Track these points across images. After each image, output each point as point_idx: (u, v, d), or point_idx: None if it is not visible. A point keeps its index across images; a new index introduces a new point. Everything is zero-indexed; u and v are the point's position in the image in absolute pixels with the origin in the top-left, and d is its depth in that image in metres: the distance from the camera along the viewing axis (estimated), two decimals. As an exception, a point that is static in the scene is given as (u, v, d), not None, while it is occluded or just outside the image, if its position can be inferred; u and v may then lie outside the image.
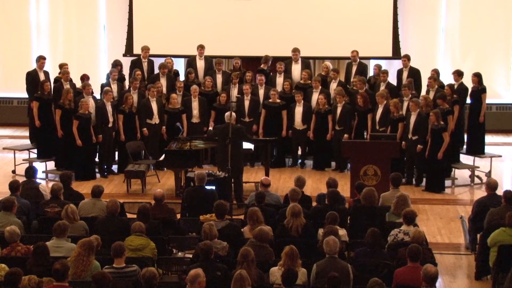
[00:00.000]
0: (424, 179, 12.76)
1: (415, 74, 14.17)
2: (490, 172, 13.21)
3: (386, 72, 14.08)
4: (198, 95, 13.91)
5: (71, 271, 7.01)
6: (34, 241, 7.87)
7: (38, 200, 9.65)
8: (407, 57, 14.32)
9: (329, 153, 13.90)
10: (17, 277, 6.65)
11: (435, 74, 13.84)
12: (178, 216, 9.64)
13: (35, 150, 13.87)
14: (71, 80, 14.01)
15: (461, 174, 13.30)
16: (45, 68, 14.33)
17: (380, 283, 6.66)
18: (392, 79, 14.44)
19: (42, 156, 13.64)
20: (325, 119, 13.70)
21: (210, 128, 13.15)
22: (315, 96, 13.88)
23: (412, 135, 12.61)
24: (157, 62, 15.03)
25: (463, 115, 14.00)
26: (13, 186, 9.49)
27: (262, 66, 14.78)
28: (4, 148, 14.79)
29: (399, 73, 14.45)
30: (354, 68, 14.57)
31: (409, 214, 8.38)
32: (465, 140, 13.96)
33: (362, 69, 14.57)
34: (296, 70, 14.68)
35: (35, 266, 7.25)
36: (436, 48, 16.97)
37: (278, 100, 13.96)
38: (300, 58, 14.67)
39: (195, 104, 13.92)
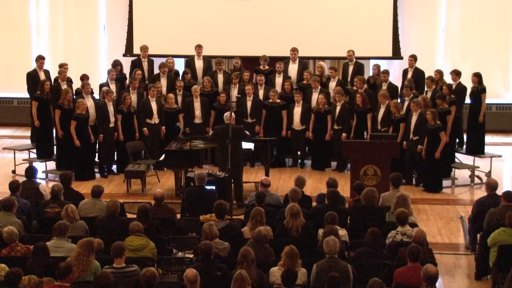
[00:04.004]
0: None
1: (419, 75, 14.17)
2: (490, 172, 13.21)
3: (387, 72, 14.08)
4: (199, 95, 13.91)
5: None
6: (34, 241, 7.88)
7: (38, 200, 9.65)
8: (414, 57, 14.32)
9: (328, 153, 13.91)
10: (17, 277, 6.65)
11: (438, 74, 13.84)
12: (178, 216, 9.64)
13: (35, 150, 13.87)
14: (70, 80, 14.02)
15: (461, 174, 13.30)
16: (45, 68, 14.34)
17: (380, 283, 6.66)
18: (393, 79, 14.42)
19: (42, 156, 13.64)
20: (325, 119, 13.71)
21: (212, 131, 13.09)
22: (315, 96, 13.88)
23: (413, 135, 12.61)
24: (157, 62, 15.04)
25: (462, 115, 14.00)
26: (13, 186, 9.49)
27: (261, 66, 14.80)
28: (4, 148, 14.80)
29: (404, 73, 14.46)
30: (350, 68, 14.58)
31: (401, 214, 8.38)
32: (465, 140, 13.98)
33: (359, 69, 14.56)
34: (293, 69, 14.69)
35: (35, 266, 7.25)
36: (436, 48, 16.98)
37: (278, 100, 13.96)
38: (298, 58, 14.68)
39: (197, 105, 13.92)
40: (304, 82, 14.39)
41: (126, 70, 14.96)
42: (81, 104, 12.90)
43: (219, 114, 13.67)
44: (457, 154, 13.70)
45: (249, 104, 14.00)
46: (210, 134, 12.88)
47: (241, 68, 14.76)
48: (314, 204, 9.64)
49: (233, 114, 11.63)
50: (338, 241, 7.45)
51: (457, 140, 13.94)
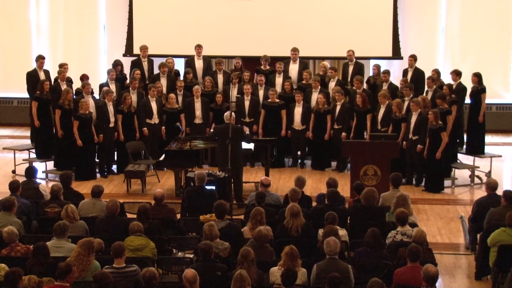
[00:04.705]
0: (424, 179, 12.76)
1: (419, 75, 14.17)
2: (490, 172, 13.21)
3: (388, 72, 14.08)
4: (200, 96, 13.91)
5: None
6: (34, 241, 7.88)
7: (38, 200, 9.64)
8: (414, 57, 14.32)
9: (328, 152, 13.91)
10: (17, 276, 6.65)
11: (436, 74, 13.85)
12: (178, 216, 9.64)
13: (35, 150, 13.85)
14: (70, 80, 14.02)
15: (461, 174, 13.30)
16: (45, 68, 14.34)
17: (380, 283, 6.65)
18: (393, 79, 14.42)
19: (42, 156, 13.63)
20: (324, 119, 13.71)
21: (211, 130, 12.94)
22: (315, 96, 13.88)
23: (413, 135, 12.62)
24: (157, 62, 15.04)
25: (462, 115, 14.00)
26: (13, 186, 9.49)
27: (262, 66, 14.80)
28: (4, 148, 14.80)
29: (404, 73, 14.46)
30: (350, 68, 14.59)
31: (401, 214, 8.37)
32: (465, 140, 13.97)
33: (359, 69, 14.56)
34: (294, 70, 14.70)
35: (35, 266, 7.25)
36: (436, 48, 16.98)
37: (277, 100, 13.97)
38: (298, 58, 14.69)
39: (197, 105, 13.92)
40: (304, 82, 14.40)
41: (126, 70, 14.95)
42: (84, 104, 12.90)
43: (216, 115, 13.67)
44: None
45: (247, 103, 14.01)
46: (209, 134, 12.87)
47: (241, 68, 14.76)
48: (314, 204, 9.64)
49: (233, 114, 11.63)
50: (338, 241, 7.45)
51: (457, 140, 13.92)
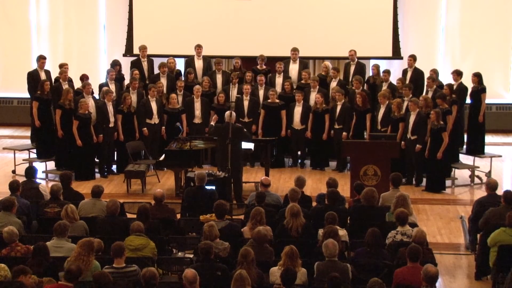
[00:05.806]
0: (424, 179, 12.76)
1: (419, 75, 14.17)
2: (490, 172, 13.21)
3: (388, 72, 14.09)
4: (200, 96, 13.91)
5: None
6: (34, 241, 7.88)
7: (38, 200, 9.65)
8: (413, 57, 14.32)
9: (327, 152, 13.91)
10: (23, 271, 6.70)
11: (434, 74, 13.85)
12: (178, 216, 9.64)
13: (35, 150, 13.86)
14: (70, 80, 14.02)
15: (461, 174, 13.30)
16: (45, 68, 14.34)
17: (380, 283, 6.66)
18: (393, 79, 14.44)
19: (42, 156, 13.63)
20: (323, 118, 13.71)
21: (212, 123, 12.48)
22: (313, 96, 13.89)
23: (411, 135, 12.63)
24: (157, 62, 15.04)
25: (463, 115, 14.00)
26: (13, 186, 9.49)
27: (258, 66, 14.79)
28: (4, 148, 14.79)
29: (404, 73, 14.47)
30: (352, 68, 14.60)
31: (401, 214, 8.38)
32: (465, 140, 13.97)
33: (360, 69, 14.58)
34: (294, 69, 14.71)
35: (35, 266, 7.25)
36: (436, 48, 16.98)
37: (277, 100, 13.97)
38: (298, 58, 14.70)
39: (197, 105, 13.92)
40: (303, 81, 14.40)
41: (126, 70, 14.95)
42: (84, 104, 12.91)
43: (217, 114, 13.66)
44: (457, 154, 13.72)
45: (246, 103, 14.01)
46: (210, 128, 12.70)
47: (241, 68, 14.76)
48: (314, 204, 9.64)
49: (233, 113, 11.63)
50: (337, 244, 7.45)
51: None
